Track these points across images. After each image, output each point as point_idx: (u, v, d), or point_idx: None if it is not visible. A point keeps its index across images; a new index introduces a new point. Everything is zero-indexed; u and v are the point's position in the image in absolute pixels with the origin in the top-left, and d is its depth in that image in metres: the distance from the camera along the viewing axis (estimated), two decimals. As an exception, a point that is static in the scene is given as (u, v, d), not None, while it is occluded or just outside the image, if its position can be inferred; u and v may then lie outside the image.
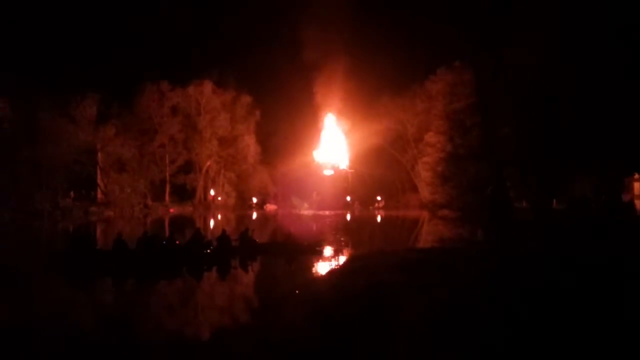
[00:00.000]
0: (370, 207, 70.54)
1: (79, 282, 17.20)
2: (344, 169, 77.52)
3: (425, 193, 63.05)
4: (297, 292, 14.33)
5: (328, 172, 77.12)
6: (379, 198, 73.97)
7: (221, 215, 58.43)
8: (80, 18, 71.42)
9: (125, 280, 17.54)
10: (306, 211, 64.85)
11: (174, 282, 17.33)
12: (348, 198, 73.80)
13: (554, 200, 32.17)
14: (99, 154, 61.88)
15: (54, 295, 14.94)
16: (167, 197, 67.86)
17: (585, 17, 20.98)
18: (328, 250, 23.60)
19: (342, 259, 20.78)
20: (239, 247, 21.64)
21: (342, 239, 30.48)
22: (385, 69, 64.36)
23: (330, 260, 20.96)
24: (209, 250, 20.87)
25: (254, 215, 58.45)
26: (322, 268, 19.03)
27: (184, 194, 70.03)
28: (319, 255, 22.19)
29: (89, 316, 12.87)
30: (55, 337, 10.78)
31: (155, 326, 11.93)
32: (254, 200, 73.48)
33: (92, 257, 19.04)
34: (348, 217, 55.67)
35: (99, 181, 62.28)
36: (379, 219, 54.35)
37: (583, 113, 21.74)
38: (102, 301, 14.85)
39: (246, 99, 71.54)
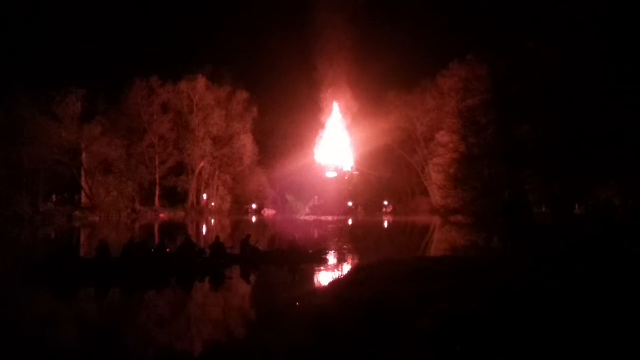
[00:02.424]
0: (378, 212, 70.36)
1: (58, 293, 17.07)
2: (348, 171, 77.47)
3: (436, 197, 62.77)
4: (297, 304, 14.18)
5: (331, 174, 77.11)
6: (385, 202, 73.84)
7: (215, 220, 58.34)
8: (65, 8, 71.63)
9: (107, 291, 17.40)
10: (307, 216, 64.74)
11: (161, 293, 17.17)
12: (350, 203, 73.71)
13: (576, 205, 31.94)
14: (84, 154, 61.63)
15: (31, 307, 14.81)
16: (156, 201, 67.71)
17: (615, 4, 20.81)
18: (334, 259, 23.60)
19: (348, 268, 20.68)
20: (239, 255, 21.61)
21: (348, 246, 30.44)
22: (393, 63, 64.56)
23: (336, 270, 20.91)
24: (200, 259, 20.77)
25: (252, 221, 58.35)
26: (326, 278, 18.91)
27: (175, 197, 69.79)
28: (325, 263, 22.25)
29: (63, 330, 12.73)
30: (31, 353, 10.65)
31: (135, 343, 11.76)
32: (254, 206, 73.42)
33: (74, 266, 18.90)
34: (352, 222, 55.52)
35: (83, 183, 62.09)
36: (386, 224, 54.24)
37: (610, 110, 21.54)
38: (81, 314, 14.70)
39: (242, 94, 71.49)
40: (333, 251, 25.47)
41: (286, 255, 22.53)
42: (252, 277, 20.17)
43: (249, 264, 21.09)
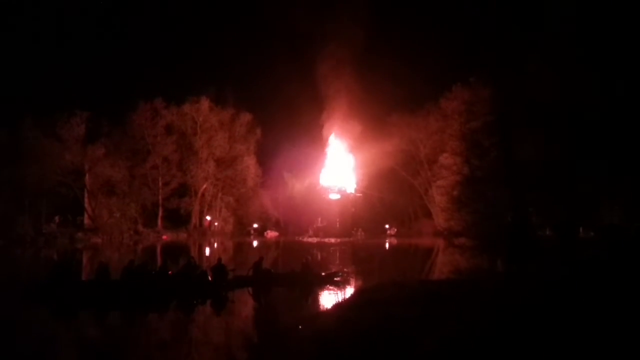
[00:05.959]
0: (382, 235, 70.04)
1: (58, 315, 16.97)
2: (351, 193, 77.29)
3: (439, 219, 62.74)
4: (299, 327, 14.05)
5: (334, 197, 76.91)
6: (387, 226, 73.58)
7: (218, 242, 58.17)
8: (69, 31, 72.43)
9: (106, 314, 17.26)
10: (310, 238, 64.54)
11: (161, 316, 17.01)
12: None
13: (580, 228, 31.80)
14: (87, 176, 61.75)
15: (30, 329, 14.72)
16: (159, 223, 67.61)
17: (615, 29, 20.93)
18: (345, 281, 23.48)
19: (353, 291, 20.53)
20: (252, 277, 21.55)
21: (352, 269, 30.28)
22: (397, 85, 64.76)
23: (343, 292, 20.75)
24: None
25: (254, 243, 58.14)
26: (333, 300, 18.74)
27: (178, 219, 69.69)
28: (338, 286, 22.07)
29: (60, 352, 12.61)
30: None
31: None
32: (255, 225, 73.33)
33: (74, 288, 18.79)
34: (356, 245, 55.28)
35: (86, 205, 62.06)
36: (390, 247, 53.99)
37: (613, 132, 21.58)
38: (79, 336, 14.55)
39: (246, 116, 71.80)
40: (340, 273, 25.35)
41: (299, 277, 22.45)
42: (258, 300, 20.06)
43: (261, 287, 21.09)
